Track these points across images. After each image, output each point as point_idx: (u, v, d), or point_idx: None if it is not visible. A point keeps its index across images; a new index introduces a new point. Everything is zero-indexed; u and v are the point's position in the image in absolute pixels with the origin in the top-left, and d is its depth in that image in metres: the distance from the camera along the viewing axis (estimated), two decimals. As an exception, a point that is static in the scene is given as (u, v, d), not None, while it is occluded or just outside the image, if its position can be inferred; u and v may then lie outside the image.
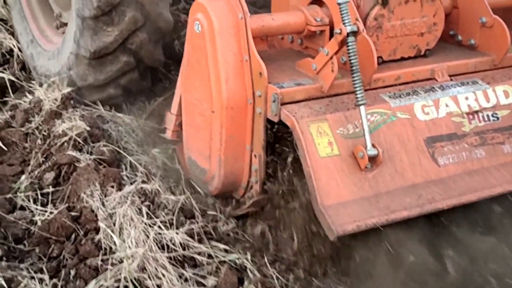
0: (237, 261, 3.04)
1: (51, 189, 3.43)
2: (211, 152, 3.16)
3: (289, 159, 3.06)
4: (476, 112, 3.18)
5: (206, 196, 3.34)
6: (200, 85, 3.14)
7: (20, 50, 4.72)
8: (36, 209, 3.30)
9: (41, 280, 2.90)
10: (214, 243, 3.11)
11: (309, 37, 3.28)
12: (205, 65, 3.07)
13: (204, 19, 3.06)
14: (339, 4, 2.88)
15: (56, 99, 3.92)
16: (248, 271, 3.00)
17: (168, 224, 3.13)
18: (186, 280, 2.93)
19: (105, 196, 3.25)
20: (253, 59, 2.98)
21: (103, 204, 3.19)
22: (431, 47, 3.35)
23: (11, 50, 4.78)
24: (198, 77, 3.15)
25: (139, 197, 3.27)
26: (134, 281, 2.87)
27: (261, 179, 3.09)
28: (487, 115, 3.20)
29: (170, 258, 2.98)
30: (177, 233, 3.06)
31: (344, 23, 2.86)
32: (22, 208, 3.35)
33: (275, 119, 2.94)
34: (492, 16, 3.29)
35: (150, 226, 3.08)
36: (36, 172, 3.53)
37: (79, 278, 2.93)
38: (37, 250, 3.10)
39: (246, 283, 2.95)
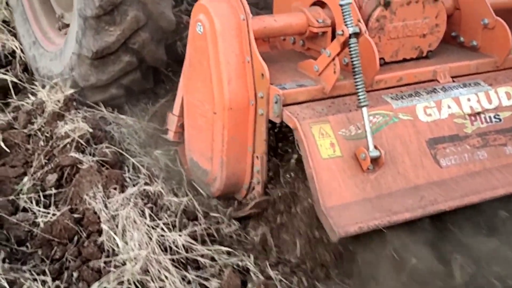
0: (240, 263, 3.03)
1: (53, 191, 3.42)
2: (213, 154, 3.16)
3: (292, 161, 3.06)
4: (478, 113, 3.17)
5: (209, 197, 3.34)
6: (202, 86, 3.14)
7: (22, 51, 4.71)
8: (39, 211, 3.30)
9: (43, 282, 2.90)
10: (217, 245, 3.10)
11: (311, 38, 3.28)
12: (207, 66, 3.07)
13: (206, 20, 3.06)
14: (341, 5, 2.88)
15: (58, 101, 3.91)
16: (251, 274, 2.99)
17: (171, 226, 3.12)
18: (189, 282, 2.93)
19: (108, 198, 3.24)
20: (255, 60, 2.99)
21: (105, 206, 3.18)
22: (433, 48, 3.34)
23: (14, 52, 4.77)
24: (200, 78, 3.15)
25: (142, 199, 3.26)
26: (137, 283, 2.86)
27: (263, 180, 3.10)
28: (489, 117, 3.19)
29: (173, 260, 2.97)
30: (180, 235, 3.06)
31: (346, 25, 2.85)
32: (25, 210, 3.34)
33: (277, 121, 2.94)
34: (494, 18, 3.29)
35: (153, 228, 3.07)
36: (38, 174, 3.52)
37: (81, 280, 2.92)
38: (39, 252, 3.09)
39: (249, 285, 2.94)
